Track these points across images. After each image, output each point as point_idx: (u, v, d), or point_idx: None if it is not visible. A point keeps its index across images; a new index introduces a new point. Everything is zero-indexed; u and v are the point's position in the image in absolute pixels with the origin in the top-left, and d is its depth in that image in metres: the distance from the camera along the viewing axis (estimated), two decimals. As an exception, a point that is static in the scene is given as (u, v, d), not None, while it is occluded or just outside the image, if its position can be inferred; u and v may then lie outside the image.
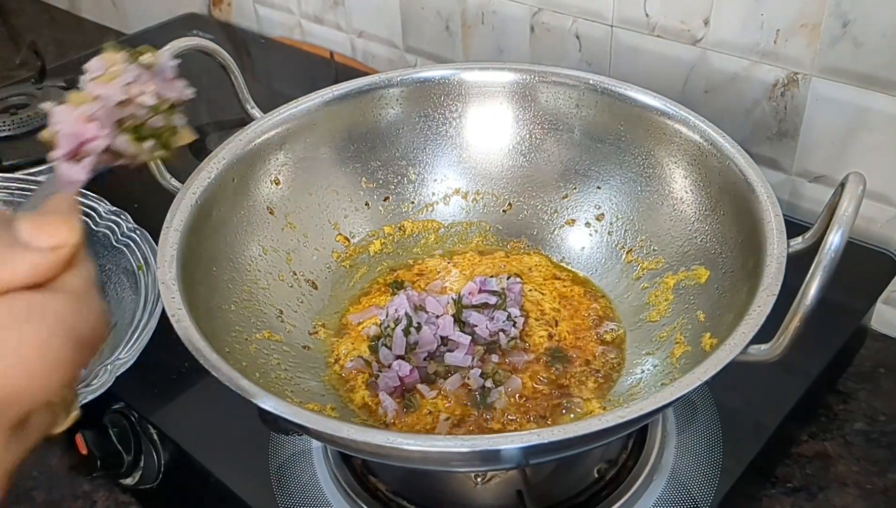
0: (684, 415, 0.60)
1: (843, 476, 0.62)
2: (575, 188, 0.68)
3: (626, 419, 0.38)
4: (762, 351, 0.43)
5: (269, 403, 0.41)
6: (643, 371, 0.55)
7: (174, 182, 0.59)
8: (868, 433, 0.66)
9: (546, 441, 0.37)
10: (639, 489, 0.54)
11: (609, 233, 0.66)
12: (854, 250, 0.71)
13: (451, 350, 0.57)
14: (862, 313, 0.70)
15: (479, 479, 0.53)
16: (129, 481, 0.63)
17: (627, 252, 0.64)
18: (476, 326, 0.58)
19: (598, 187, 0.67)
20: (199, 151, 0.83)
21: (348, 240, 0.68)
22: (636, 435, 0.57)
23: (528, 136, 0.69)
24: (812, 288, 0.42)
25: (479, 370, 0.56)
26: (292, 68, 1.13)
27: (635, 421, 0.39)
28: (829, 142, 0.75)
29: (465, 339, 0.56)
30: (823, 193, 0.77)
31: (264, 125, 0.64)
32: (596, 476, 0.54)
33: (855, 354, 0.73)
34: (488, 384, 0.55)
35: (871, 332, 0.75)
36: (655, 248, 0.62)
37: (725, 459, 0.57)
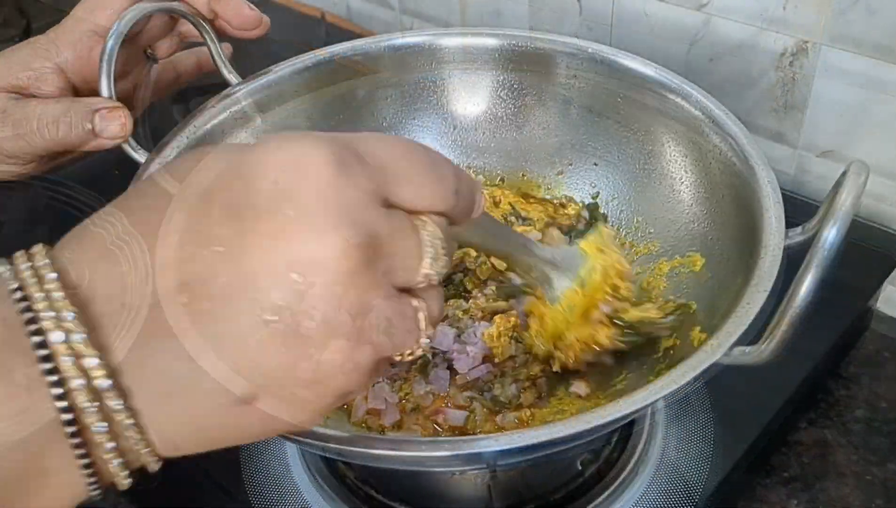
0: (676, 402, 0.58)
1: (842, 466, 0.60)
2: (570, 164, 0.65)
3: (592, 424, 0.36)
4: (747, 354, 0.40)
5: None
6: (628, 364, 0.52)
7: (141, 153, 0.57)
8: (869, 420, 0.63)
9: (504, 448, 0.36)
10: (623, 482, 0.52)
11: (604, 213, 0.63)
12: (862, 229, 0.69)
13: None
14: (869, 295, 0.68)
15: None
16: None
17: (622, 234, 0.62)
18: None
19: (595, 164, 0.64)
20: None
21: None
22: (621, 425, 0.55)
23: (522, 107, 0.66)
24: (802, 288, 0.38)
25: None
26: (282, 30, 1.10)
27: (601, 427, 0.37)
28: (838, 115, 0.72)
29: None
30: (831, 168, 0.74)
31: (239, 92, 0.61)
32: (579, 468, 0.52)
33: (859, 337, 0.70)
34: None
35: (877, 314, 0.72)
36: (651, 231, 0.60)
37: (718, 447, 0.55)
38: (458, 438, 0.39)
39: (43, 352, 0.27)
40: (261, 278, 0.27)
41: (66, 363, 0.27)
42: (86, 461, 0.28)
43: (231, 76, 0.64)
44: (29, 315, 0.27)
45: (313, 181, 0.28)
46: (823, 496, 0.58)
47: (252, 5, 0.62)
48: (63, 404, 0.27)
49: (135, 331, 0.28)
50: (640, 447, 0.54)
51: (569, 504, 0.51)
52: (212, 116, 0.60)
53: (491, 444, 0.36)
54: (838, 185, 0.42)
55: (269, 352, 0.28)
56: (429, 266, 0.31)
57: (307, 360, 0.28)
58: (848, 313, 0.65)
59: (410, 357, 0.32)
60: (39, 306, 0.27)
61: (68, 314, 0.27)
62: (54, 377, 0.27)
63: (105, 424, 0.28)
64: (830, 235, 0.38)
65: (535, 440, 0.36)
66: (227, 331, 0.28)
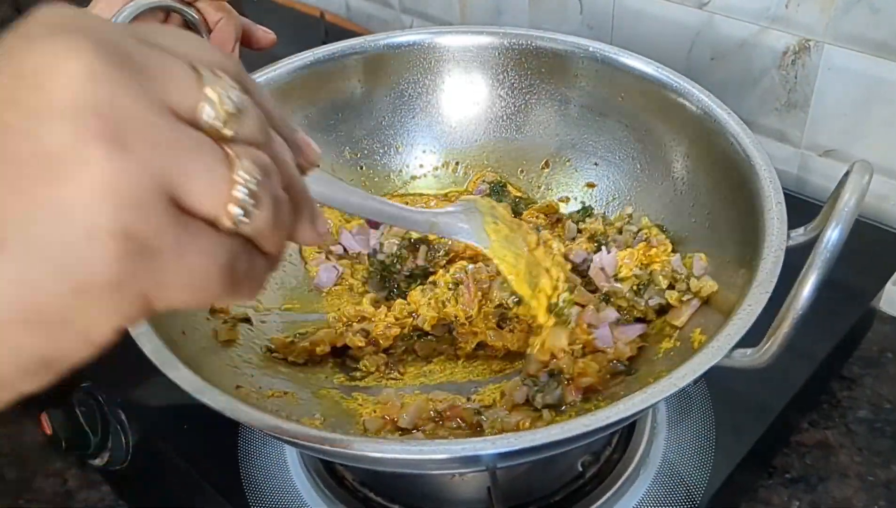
0: (678, 402, 0.57)
1: (845, 467, 0.60)
2: (570, 163, 0.64)
3: (591, 427, 0.36)
4: (748, 356, 0.39)
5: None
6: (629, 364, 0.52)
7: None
8: (872, 421, 0.63)
9: (503, 451, 0.36)
10: (625, 483, 0.52)
11: (605, 213, 0.63)
12: (865, 229, 0.68)
13: None
14: (871, 295, 0.67)
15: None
16: (97, 462, 0.61)
17: (624, 235, 0.60)
18: None
19: (596, 164, 0.63)
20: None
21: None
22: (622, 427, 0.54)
23: (522, 106, 0.65)
24: (805, 289, 0.38)
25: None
26: (281, 28, 1.10)
27: (600, 430, 0.37)
28: (841, 114, 0.71)
29: None
30: (834, 168, 0.74)
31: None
32: (580, 469, 0.52)
33: (862, 337, 0.70)
34: None
35: (879, 314, 0.72)
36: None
37: (720, 448, 0.55)
38: (457, 440, 0.38)
39: None
40: None
41: None
42: None
43: None
44: None
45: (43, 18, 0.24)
46: (826, 497, 0.58)
47: (266, 29, 0.61)
48: None
49: None
50: (642, 448, 0.54)
51: (570, 505, 0.51)
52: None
53: (490, 446, 0.36)
54: (841, 185, 0.41)
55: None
56: (215, 95, 0.26)
57: (52, 180, 0.23)
58: (851, 313, 0.64)
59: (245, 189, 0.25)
60: None
61: None
62: None
63: None
64: (833, 236, 0.38)
65: (534, 443, 0.36)
66: None
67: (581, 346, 0.51)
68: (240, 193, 0.25)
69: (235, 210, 0.25)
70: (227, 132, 0.26)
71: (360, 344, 0.55)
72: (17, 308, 0.24)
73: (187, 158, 0.24)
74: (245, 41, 0.62)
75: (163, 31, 0.27)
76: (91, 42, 0.24)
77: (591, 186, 0.64)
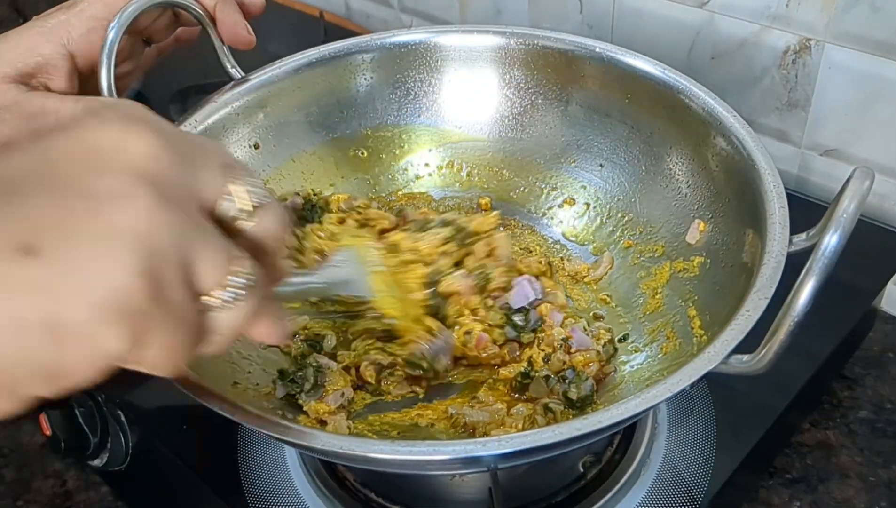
0: (679, 402, 0.57)
1: (846, 467, 0.60)
2: (575, 164, 0.64)
3: (589, 429, 0.36)
4: (744, 363, 0.39)
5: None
6: (630, 366, 0.52)
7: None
8: (873, 421, 0.63)
9: (504, 451, 0.35)
10: (626, 484, 0.51)
11: (608, 216, 0.62)
12: (865, 229, 0.68)
13: None
14: (873, 295, 0.67)
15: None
16: (96, 462, 0.61)
17: (626, 237, 0.61)
18: None
19: (601, 165, 0.63)
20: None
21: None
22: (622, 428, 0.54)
23: (528, 107, 0.65)
24: (802, 295, 0.37)
25: None
26: (280, 28, 1.10)
27: (598, 432, 0.37)
28: (841, 113, 0.71)
29: None
30: (835, 167, 0.74)
31: (241, 88, 0.61)
32: (581, 470, 0.51)
33: (863, 337, 0.69)
34: None
35: (880, 314, 0.71)
36: (655, 234, 0.59)
37: (721, 449, 0.54)
38: (459, 441, 0.38)
39: None
40: (53, 150, 0.29)
41: None
42: None
43: (234, 71, 0.63)
44: None
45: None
46: (827, 497, 0.58)
47: (250, 28, 0.61)
48: None
49: None
50: (643, 448, 0.53)
51: (571, 506, 0.51)
52: (213, 110, 0.59)
53: (491, 447, 0.36)
54: (842, 191, 0.41)
55: (51, 207, 0.28)
56: (241, 190, 0.32)
57: (94, 212, 0.28)
58: (852, 313, 0.64)
59: (232, 292, 0.31)
60: None
61: None
62: None
63: None
64: (831, 242, 0.38)
65: (534, 444, 0.36)
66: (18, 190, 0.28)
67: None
68: (231, 284, 0.31)
69: (225, 295, 0.31)
70: (248, 224, 0.33)
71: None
72: (38, 313, 0.27)
73: (203, 241, 0.30)
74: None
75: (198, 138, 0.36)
76: (154, 131, 0.30)
77: (597, 189, 0.64)
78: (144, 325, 0.28)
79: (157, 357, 0.30)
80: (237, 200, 0.32)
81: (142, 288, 0.28)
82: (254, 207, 0.32)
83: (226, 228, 0.32)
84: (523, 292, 0.55)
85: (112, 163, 0.29)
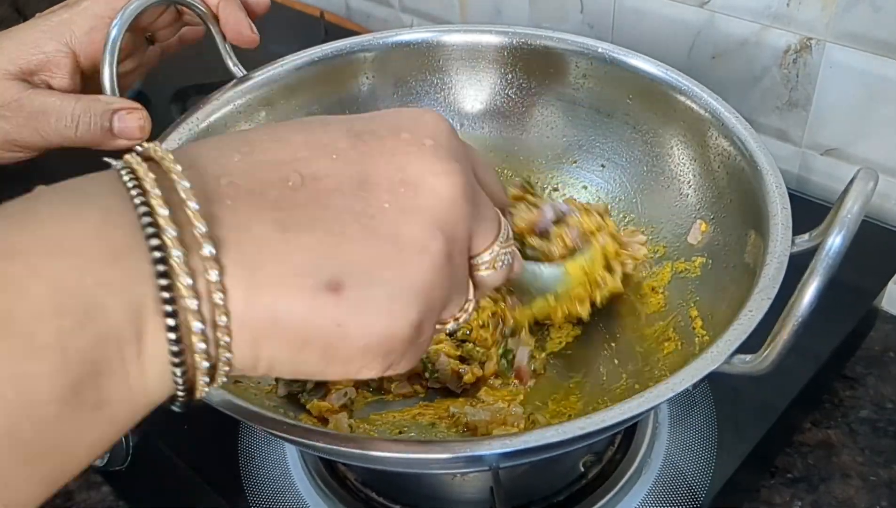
0: (680, 402, 0.57)
1: (847, 467, 0.60)
2: (577, 165, 0.64)
3: (590, 429, 0.36)
4: (747, 363, 0.39)
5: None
6: (630, 367, 0.52)
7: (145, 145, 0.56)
8: (874, 421, 0.63)
9: (505, 451, 0.35)
10: (627, 483, 0.51)
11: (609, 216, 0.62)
12: (866, 228, 0.67)
13: None
14: (874, 295, 0.67)
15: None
16: (97, 462, 0.60)
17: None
18: None
19: (602, 166, 0.63)
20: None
21: None
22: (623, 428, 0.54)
23: (530, 107, 0.65)
24: (806, 295, 0.37)
25: None
26: (280, 28, 1.09)
27: (600, 431, 0.36)
28: (842, 113, 0.71)
29: None
30: (836, 167, 0.74)
31: (243, 86, 0.60)
32: (582, 469, 0.51)
33: (864, 337, 0.69)
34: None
35: (882, 314, 0.71)
36: (657, 235, 0.59)
37: (723, 448, 0.54)
38: (461, 440, 0.38)
39: (147, 220, 0.27)
40: (371, 181, 0.30)
41: (169, 232, 0.27)
42: (174, 335, 0.27)
43: (236, 69, 0.63)
44: (142, 205, 0.27)
45: (432, 128, 0.32)
46: (828, 497, 0.58)
47: (254, 27, 0.61)
48: (161, 268, 0.26)
49: (240, 206, 0.28)
50: (644, 448, 0.53)
51: (572, 505, 0.51)
52: (215, 108, 0.59)
53: (493, 446, 0.36)
54: (846, 192, 0.41)
55: (361, 245, 0.29)
56: (497, 247, 0.35)
57: (396, 261, 0.30)
58: (853, 313, 0.64)
59: (454, 324, 0.35)
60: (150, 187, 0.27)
61: (184, 183, 0.28)
62: (155, 242, 0.26)
63: (195, 301, 0.27)
64: (835, 243, 0.37)
65: (536, 443, 0.36)
66: (326, 217, 0.29)
67: None
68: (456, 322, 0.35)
69: (451, 326, 0.35)
70: (490, 280, 0.35)
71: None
72: (323, 341, 0.29)
73: (460, 289, 0.33)
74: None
75: (484, 165, 0.37)
76: (462, 177, 0.32)
77: (585, 188, 0.64)
78: (398, 359, 0.31)
79: (396, 371, 0.33)
80: (490, 262, 0.35)
81: (409, 336, 0.30)
82: (498, 270, 0.35)
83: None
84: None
85: (420, 206, 0.30)
